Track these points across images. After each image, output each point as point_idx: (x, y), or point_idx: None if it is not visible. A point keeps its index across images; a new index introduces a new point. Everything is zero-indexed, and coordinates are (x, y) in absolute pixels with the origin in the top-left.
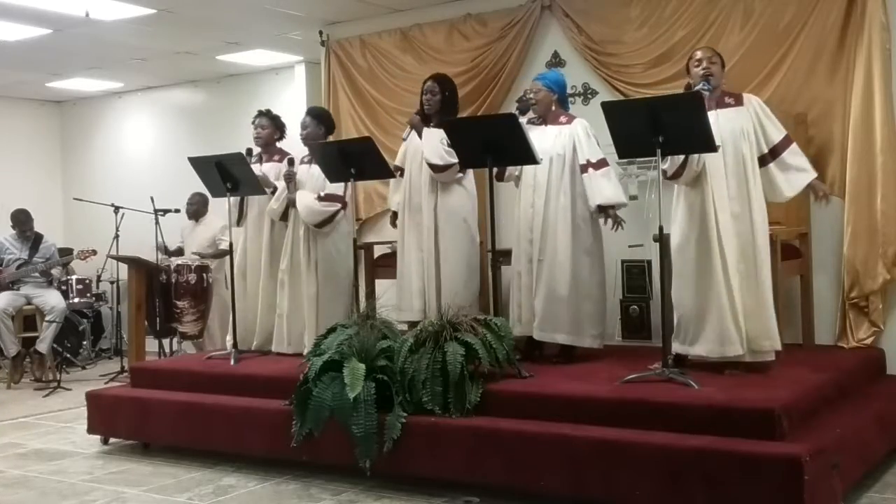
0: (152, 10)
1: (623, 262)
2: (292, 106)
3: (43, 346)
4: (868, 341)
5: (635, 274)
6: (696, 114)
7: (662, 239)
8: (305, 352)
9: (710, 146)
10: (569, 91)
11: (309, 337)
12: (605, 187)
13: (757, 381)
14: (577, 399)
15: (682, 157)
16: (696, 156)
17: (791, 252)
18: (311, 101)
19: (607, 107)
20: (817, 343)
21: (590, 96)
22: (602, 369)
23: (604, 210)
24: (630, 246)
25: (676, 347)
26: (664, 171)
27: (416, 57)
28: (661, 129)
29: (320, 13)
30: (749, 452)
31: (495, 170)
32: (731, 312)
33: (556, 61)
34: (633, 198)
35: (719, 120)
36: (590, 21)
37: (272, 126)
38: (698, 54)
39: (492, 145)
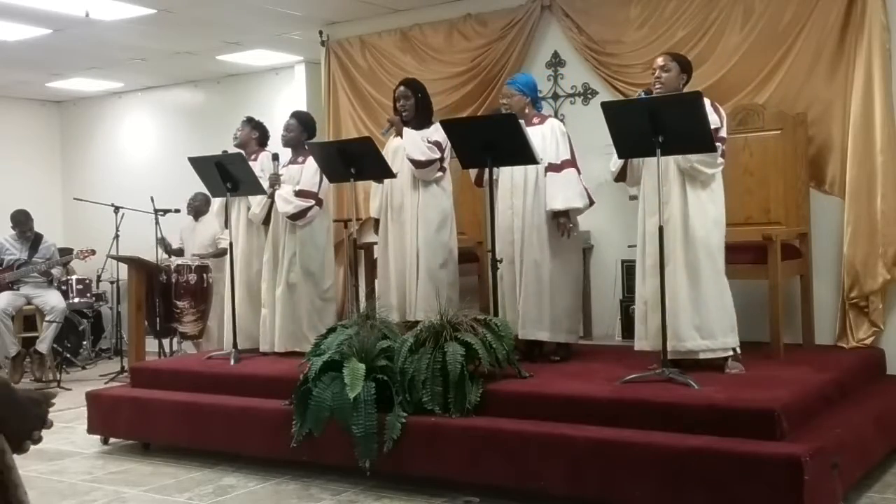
0: (152, 10)
1: (623, 262)
2: (292, 106)
3: (43, 346)
4: (868, 341)
5: (635, 274)
6: (696, 114)
7: (662, 239)
8: (278, 348)
9: (710, 146)
10: (569, 91)
11: (280, 330)
12: (558, 192)
13: (757, 381)
14: (576, 399)
15: (622, 160)
16: (637, 159)
17: (791, 252)
18: (311, 101)
19: (607, 107)
20: (817, 343)
21: (590, 96)
22: (602, 369)
23: (557, 216)
24: (630, 246)
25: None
26: (612, 173)
27: (416, 57)
28: (660, 129)
29: (320, 13)
30: (749, 452)
31: (474, 175)
32: (660, 312)
33: (556, 61)
34: (632, 198)
35: None
36: (590, 21)
37: (248, 128)
38: (657, 61)
39: (492, 145)
